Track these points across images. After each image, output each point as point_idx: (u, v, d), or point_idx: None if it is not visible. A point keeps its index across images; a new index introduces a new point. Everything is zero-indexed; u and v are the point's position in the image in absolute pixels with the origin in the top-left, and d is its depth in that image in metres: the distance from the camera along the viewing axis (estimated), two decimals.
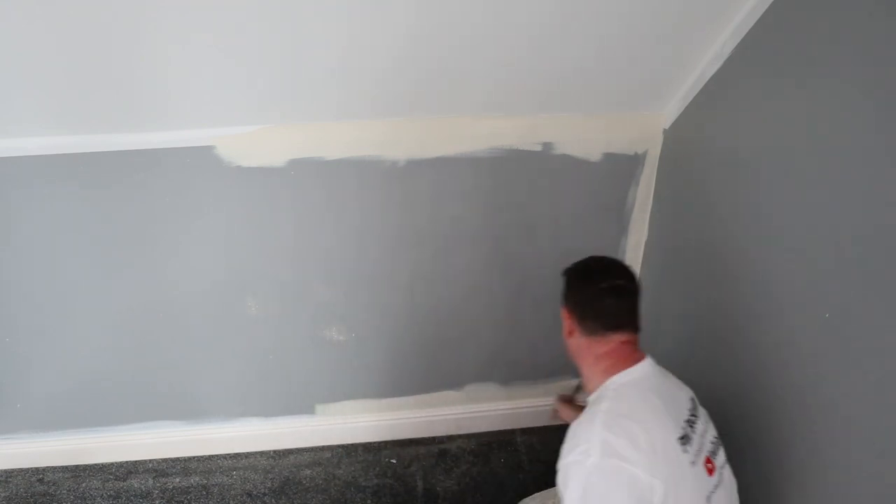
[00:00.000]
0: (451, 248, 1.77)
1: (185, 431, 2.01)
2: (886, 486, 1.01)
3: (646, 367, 1.11)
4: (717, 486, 1.05)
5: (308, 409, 2.03)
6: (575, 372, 2.03)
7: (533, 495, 1.46)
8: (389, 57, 1.32)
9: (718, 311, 1.49)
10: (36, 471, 2.02)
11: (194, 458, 2.05)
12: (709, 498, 1.02)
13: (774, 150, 1.23)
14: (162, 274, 1.71)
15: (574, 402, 1.75)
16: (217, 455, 2.06)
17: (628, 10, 1.24)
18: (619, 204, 1.77)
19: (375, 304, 1.84)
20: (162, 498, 1.92)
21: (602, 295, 1.13)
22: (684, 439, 1.03)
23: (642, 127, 1.64)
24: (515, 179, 1.67)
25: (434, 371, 2.01)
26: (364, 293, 1.81)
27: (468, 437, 2.11)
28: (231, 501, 1.91)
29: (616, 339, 1.12)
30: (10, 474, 2.01)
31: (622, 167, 1.70)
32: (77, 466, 2.03)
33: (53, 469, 2.02)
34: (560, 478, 1.03)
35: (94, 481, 1.98)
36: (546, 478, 1.92)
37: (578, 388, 1.88)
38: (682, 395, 1.13)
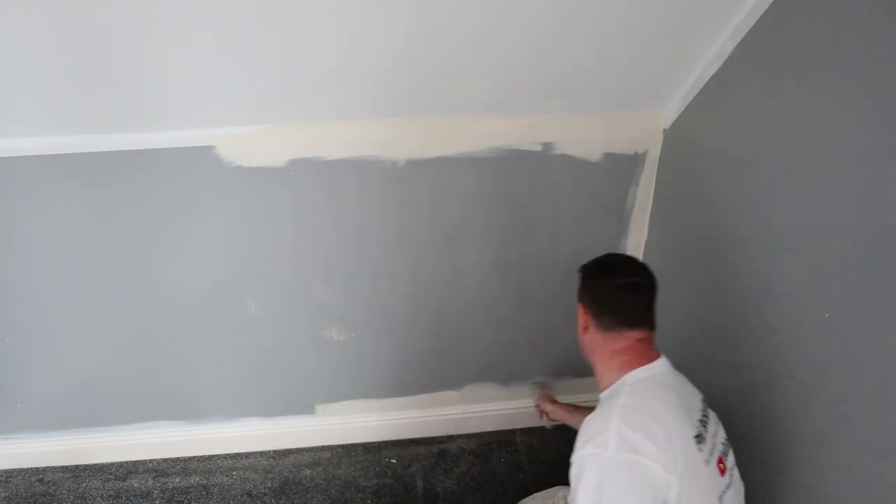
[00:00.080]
0: (452, 248, 1.77)
1: (185, 431, 2.01)
2: (886, 486, 1.01)
3: (662, 365, 1.12)
4: (728, 487, 1.05)
5: (308, 409, 2.03)
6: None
7: (533, 495, 1.46)
8: (389, 57, 1.32)
9: (718, 312, 1.49)
10: (36, 471, 2.02)
11: (194, 458, 2.05)
12: (720, 498, 1.03)
13: (774, 149, 1.23)
14: (162, 274, 1.71)
15: (557, 400, 1.77)
16: (217, 455, 2.06)
17: (628, 10, 1.24)
18: (619, 204, 1.77)
19: (375, 304, 1.84)
20: (162, 498, 1.92)
21: (619, 291, 1.14)
22: (699, 438, 1.03)
23: (642, 127, 1.64)
24: (515, 179, 1.67)
25: (434, 371, 2.01)
26: (364, 293, 1.81)
27: (468, 437, 2.11)
28: (231, 501, 1.91)
29: (632, 335, 1.13)
30: (10, 474, 2.01)
31: (622, 167, 1.70)
32: (77, 466, 2.03)
33: (53, 469, 2.02)
34: (574, 470, 1.02)
35: (94, 481, 1.98)
36: (546, 478, 1.93)
37: (544, 385, 1.91)
38: (695, 396, 1.13)
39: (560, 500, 1.37)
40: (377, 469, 2.01)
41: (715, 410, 1.16)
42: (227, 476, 1.99)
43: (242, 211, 1.64)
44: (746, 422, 1.33)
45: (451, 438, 2.11)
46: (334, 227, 1.69)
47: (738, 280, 1.39)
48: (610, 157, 1.67)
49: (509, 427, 2.13)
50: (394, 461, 2.03)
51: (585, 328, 1.19)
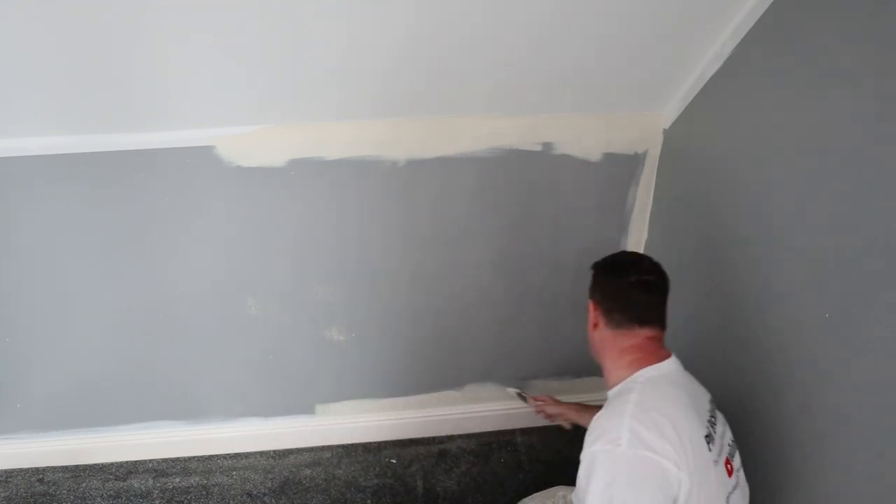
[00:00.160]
0: (452, 248, 1.77)
1: (185, 431, 2.01)
2: (886, 486, 1.01)
3: (672, 365, 1.12)
4: (734, 488, 1.05)
5: (308, 409, 2.03)
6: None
7: (533, 495, 1.46)
8: (389, 57, 1.32)
9: (718, 312, 1.49)
10: (36, 471, 2.02)
11: (194, 458, 2.05)
12: (728, 498, 1.03)
13: (774, 149, 1.23)
14: (162, 274, 1.71)
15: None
16: (217, 455, 2.06)
17: (628, 10, 1.24)
18: (619, 204, 1.77)
19: (375, 304, 1.84)
20: (162, 498, 1.92)
21: (631, 289, 1.13)
22: (708, 438, 1.03)
23: (642, 127, 1.64)
24: (515, 179, 1.67)
25: (434, 371, 2.01)
26: (364, 293, 1.81)
27: (468, 437, 2.11)
28: (231, 501, 1.91)
29: (642, 333, 1.12)
30: (10, 474, 2.01)
31: (622, 167, 1.70)
32: (77, 466, 2.03)
33: (53, 469, 2.02)
34: (584, 467, 1.02)
35: (94, 481, 1.98)
36: (546, 478, 1.92)
37: (521, 394, 1.86)
38: (703, 396, 1.13)
39: (560, 500, 1.37)
40: (377, 469, 2.01)
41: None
42: (227, 476, 1.99)
43: (242, 211, 1.64)
44: (746, 422, 1.32)
45: (451, 438, 2.11)
46: (334, 226, 1.69)
47: (737, 280, 1.39)
48: (610, 157, 1.67)
49: (509, 427, 2.13)
50: (394, 461, 2.03)
51: (595, 325, 1.18)
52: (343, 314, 1.85)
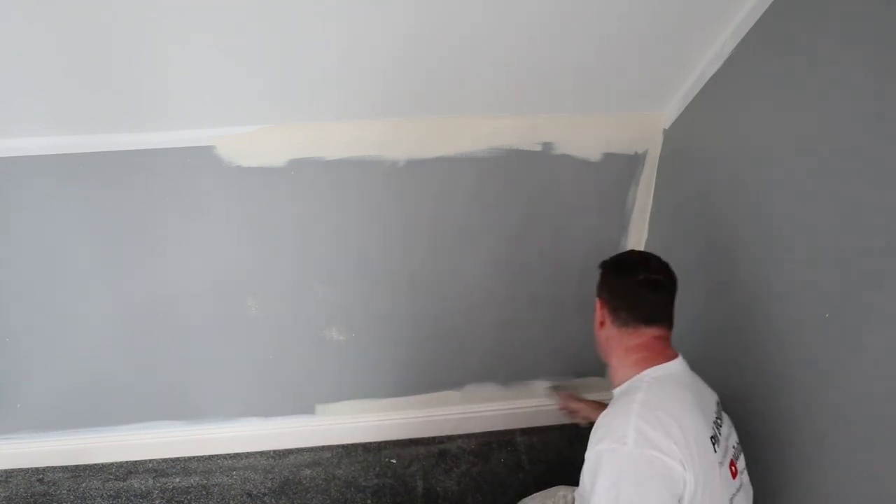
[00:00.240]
0: (451, 248, 1.77)
1: (185, 431, 2.01)
2: (886, 486, 1.01)
3: (679, 365, 1.12)
4: (738, 490, 1.06)
5: (308, 409, 2.03)
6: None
7: (533, 495, 1.45)
8: (389, 57, 1.32)
9: (718, 312, 1.49)
10: (36, 471, 2.01)
11: (194, 458, 2.05)
12: (731, 500, 1.03)
13: (774, 149, 1.23)
14: (162, 274, 1.71)
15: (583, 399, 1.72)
16: (217, 455, 2.06)
17: (628, 10, 1.24)
18: (619, 204, 1.77)
19: (375, 304, 1.84)
20: (162, 498, 1.92)
21: (638, 287, 1.13)
22: (714, 439, 1.03)
23: (642, 127, 1.64)
24: (515, 179, 1.67)
25: (434, 371, 2.01)
26: (364, 293, 1.81)
27: (468, 437, 2.11)
28: (231, 501, 1.91)
29: (649, 332, 1.12)
30: (10, 474, 2.01)
31: (622, 167, 1.70)
32: (77, 466, 2.03)
33: (53, 469, 2.02)
34: (589, 466, 1.01)
35: (94, 481, 1.98)
36: (546, 478, 1.93)
37: (558, 388, 1.85)
38: (710, 398, 1.13)
39: (560, 500, 1.37)
40: (377, 469, 2.01)
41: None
42: (227, 476, 1.99)
43: (242, 211, 1.64)
44: (746, 422, 1.32)
45: (451, 438, 2.11)
46: (334, 226, 1.69)
47: (737, 280, 1.39)
48: (610, 157, 1.67)
49: (509, 427, 2.13)
50: (394, 461, 2.03)
51: (602, 323, 1.18)
52: (343, 314, 1.85)
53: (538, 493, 1.45)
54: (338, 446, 2.09)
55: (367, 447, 2.08)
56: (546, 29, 1.27)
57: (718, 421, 1.08)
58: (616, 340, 1.15)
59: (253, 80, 1.36)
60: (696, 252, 1.57)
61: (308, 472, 2.00)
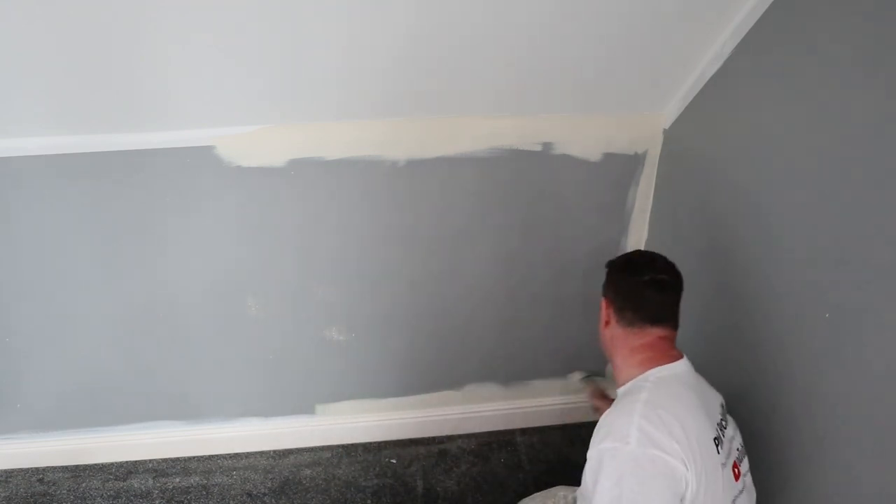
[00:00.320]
0: (451, 248, 1.77)
1: (185, 431, 2.01)
2: (886, 486, 1.01)
3: (683, 366, 1.12)
4: (741, 492, 1.06)
5: (308, 409, 2.03)
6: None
7: (533, 495, 1.45)
8: (389, 57, 1.32)
9: (718, 312, 1.49)
10: (36, 471, 2.02)
11: (194, 458, 2.05)
12: (734, 502, 1.03)
13: (774, 149, 1.23)
14: (162, 274, 1.71)
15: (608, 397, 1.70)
16: (217, 455, 2.06)
17: (628, 10, 1.24)
18: (619, 204, 1.77)
19: (375, 304, 1.84)
20: (162, 498, 1.92)
21: (644, 287, 1.13)
22: (717, 441, 1.03)
23: (642, 127, 1.64)
24: (515, 179, 1.67)
25: (434, 371, 2.01)
26: (364, 293, 1.81)
27: (468, 437, 2.11)
28: (231, 501, 1.91)
29: (654, 332, 1.12)
30: (10, 474, 2.01)
31: (622, 167, 1.70)
32: (77, 466, 2.03)
33: (53, 469, 2.02)
34: (592, 465, 1.01)
35: (94, 481, 1.98)
36: (546, 478, 1.93)
37: (589, 377, 1.83)
38: (715, 400, 1.13)
39: (560, 500, 1.37)
40: (377, 469, 2.01)
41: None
42: (227, 476, 1.99)
43: (242, 211, 1.64)
44: (746, 422, 1.32)
45: (451, 438, 2.11)
46: (334, 226, 1.69)
47: (737, 280, 1.39)
48: (610, 157, 1.67)
49: (509, 427, 2.13)
50: (394, 461, 2.03)
51: (607, 322, 1.18)
52: (343, 314, 1.85)
53: (538, 494, 1.45)
54: (338, 446, 2.09)
55: (367, 447, 2.08)
56: (546, 29, 1.27)
57: (723, 423, 1.08)
58: (621, 340, 1.15)
59: (253, 80, 1.36)
60: (696, 252, 1.57)
61: (308, 472, 2.00)
